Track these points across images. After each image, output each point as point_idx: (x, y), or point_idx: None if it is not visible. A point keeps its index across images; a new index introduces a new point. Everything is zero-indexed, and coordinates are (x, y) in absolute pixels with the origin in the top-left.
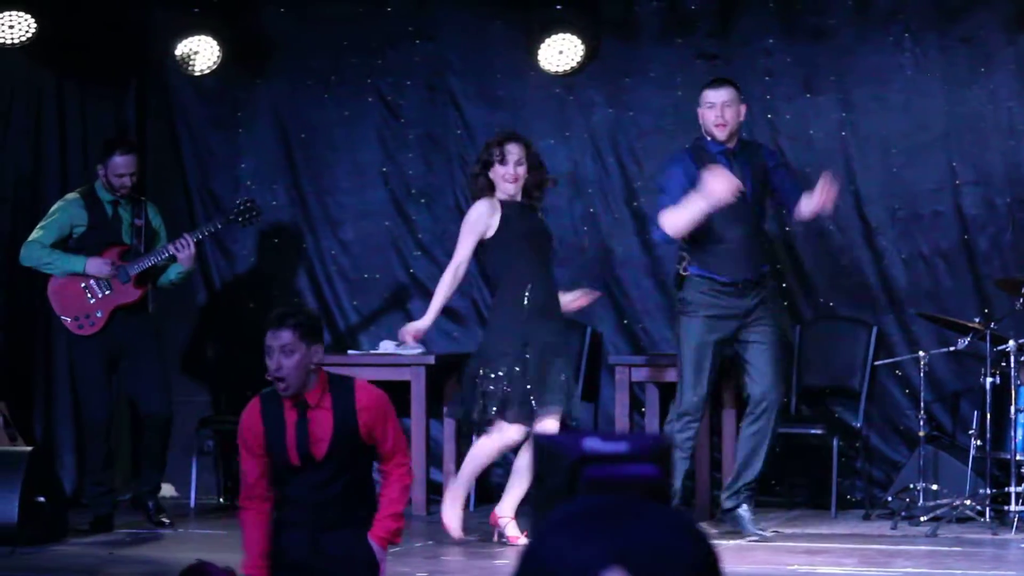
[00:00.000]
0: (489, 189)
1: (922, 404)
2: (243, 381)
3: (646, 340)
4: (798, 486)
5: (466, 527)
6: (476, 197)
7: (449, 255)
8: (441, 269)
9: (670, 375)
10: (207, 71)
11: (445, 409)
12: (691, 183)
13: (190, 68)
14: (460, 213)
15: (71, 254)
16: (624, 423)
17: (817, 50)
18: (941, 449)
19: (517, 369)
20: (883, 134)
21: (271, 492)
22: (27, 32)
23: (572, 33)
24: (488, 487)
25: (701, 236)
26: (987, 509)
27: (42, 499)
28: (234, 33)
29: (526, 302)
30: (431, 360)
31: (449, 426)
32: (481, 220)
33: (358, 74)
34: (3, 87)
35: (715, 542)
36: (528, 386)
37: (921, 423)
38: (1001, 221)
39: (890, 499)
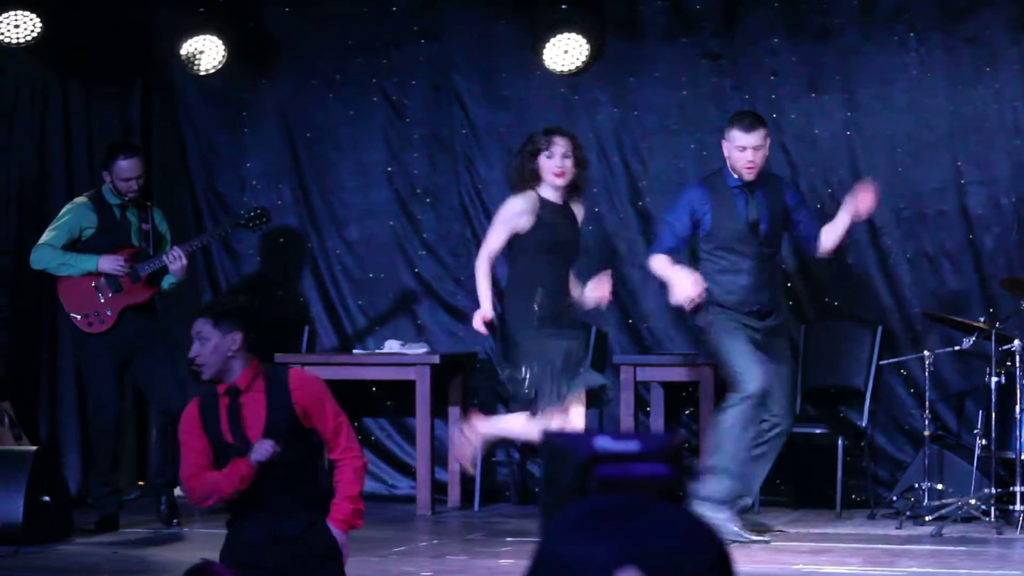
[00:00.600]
0: (534, 179)
1: (927, 404)
2: None
3: (651, 340)
4: (803, 486)
5: (471, 525)
6: (517, 187)
7: (453, 255)
8: (446, 269)
9: (675, 375)
10: (212, 71)
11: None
12: (697, 219)
13: (195, 68)
14: (465, 213)
15: (83, 254)
16: (629, 423)
17: (822, 50)
18: (946, 449)
19: (538, 369)
20: (888, 134)
21: (212, 469)
22: (32, 32)
23: (577, 33)
24: (493, 486)
25: (711, 268)
26: (992, 509)
27: (47, 499)
28: (239, 33)
29: (536, 307)
30: (436, 360)
31: (454, 426)
32: (514, 217)
33: (363, 74)
34: (8, 87)
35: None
36: (552, 381)
37: (926, 423)
38: (1006, 220)
39: (895, 499)
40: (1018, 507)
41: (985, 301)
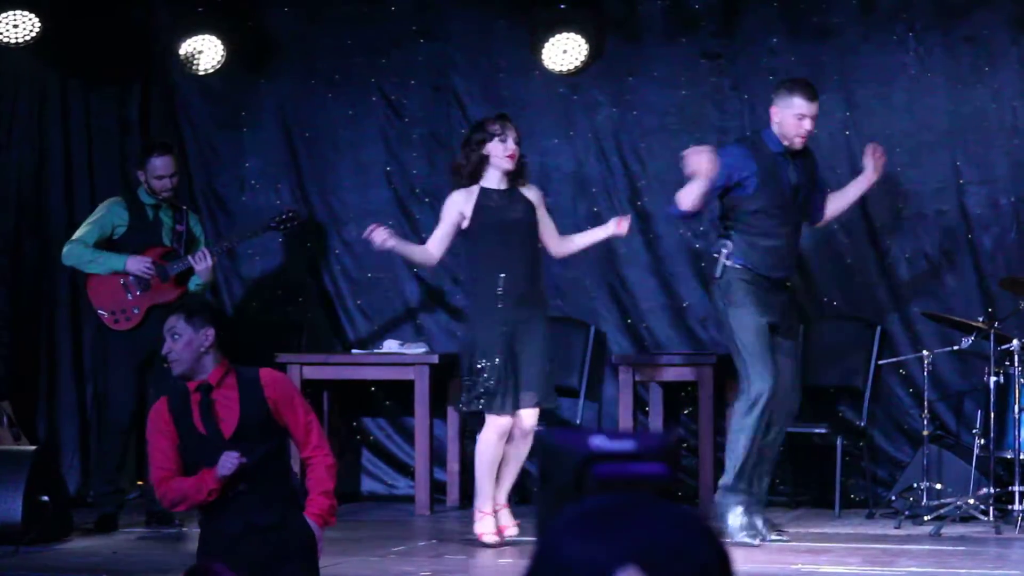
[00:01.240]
0: (477, 174)
1: (926, 403)
2: None
3: (650, 339)
4: (802, 485)
5: (469, 525)
6: (458, 183)
7: (452, 254)
8: (445, 269)
9: (674, 375)
10: (211, 70)
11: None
12: (736, 180)
13: (194, 67)
14: None
15: (113, 253)
16: (627, 423)
17: (821, 49)
18: (945, 448)
19: (498, 361)
20: (887, 133)
21: (182, 470)
22: (31, 31)
23: (576, 32)
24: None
25: (750, 231)
26: (991, 508)
27: (46, 498)
28: (238, 32)
29: (500, 292)
30: (435, 359)
31: (453, 425)
32: (455, 209)
33: (362, 73)
34: (7, 87)
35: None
36: (510, 378)
37: (925, 422)
38: (1005, 220)
39: (894, 498)
40: (1017, 507)
41: (984, 301)
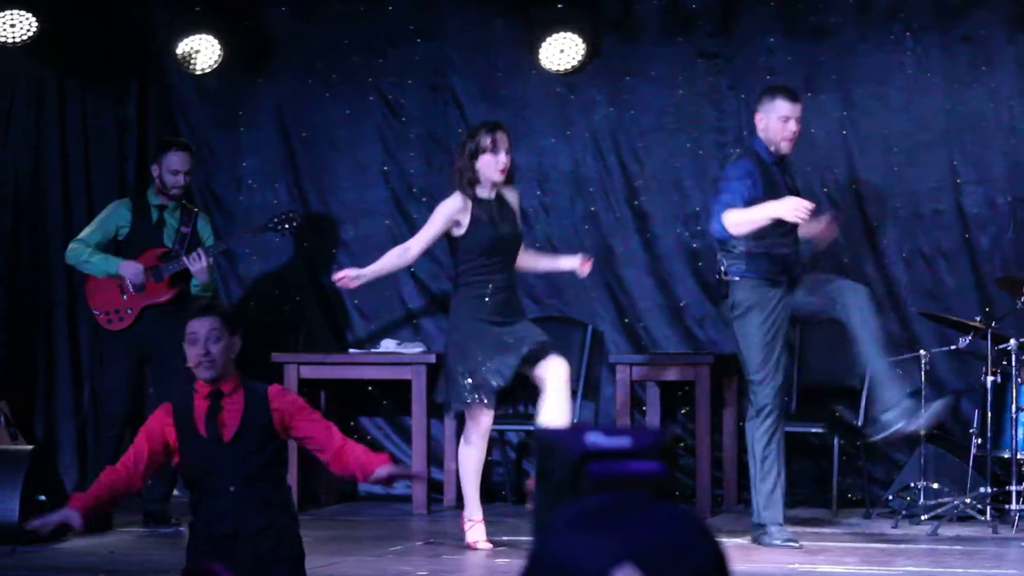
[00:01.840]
0: (472, 184)
1: (923, 403)
2: None
3: (647, 339)
4: (799, 485)
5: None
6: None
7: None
8: (442, 268)
9: (671, 374)
10: (208, 70)
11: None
12: (754, 186)
13: (191, 67)
14: None
15: (109, 255)
16: (625, 422)
17: (818, 49)
18: (942, 448)
19: (482, 361)
20: (884, 133)
21: (142, 480)
22: (28, 31)
23: (573, 32)
24: (489, 485)
25: (762, 242)
26: (988, 508)
27: (43, 498)
28: (235, 32)
29: (486, 302)
30: (432, 359)
31: (449, 425)
32: (454, 214)
33: (359, 73)
34: (4, 86)
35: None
36: (493, 381)
37: None
38: (1002, 220)
39: (891, 498)
40: (1014, 506)
41: (981, 300)
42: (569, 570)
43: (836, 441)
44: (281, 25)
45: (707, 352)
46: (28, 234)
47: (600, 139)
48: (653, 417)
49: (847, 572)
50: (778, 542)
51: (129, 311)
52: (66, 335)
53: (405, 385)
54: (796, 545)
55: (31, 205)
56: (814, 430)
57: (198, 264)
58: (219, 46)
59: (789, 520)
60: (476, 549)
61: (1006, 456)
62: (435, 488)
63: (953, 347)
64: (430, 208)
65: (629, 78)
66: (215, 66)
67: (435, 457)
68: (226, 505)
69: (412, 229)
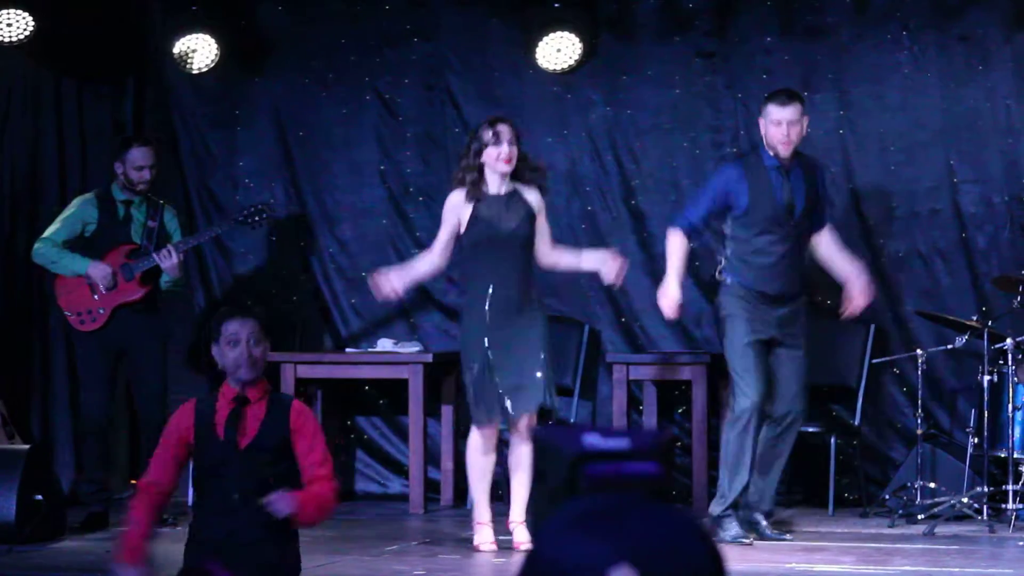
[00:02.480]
0: (476, 183)
1: (920, 402)
2: None
3: (644, 338)
4: (795, 484)
5: (463, 524)
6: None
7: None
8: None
9: (668, 373)
10: (205, 69)
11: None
12: (726, 198)
13: (188, 66)
14: None
15: (78, 255)
16: (621, 421)
17: (815, 48)
18: (939, 447)
19: (476, 369)
20: (881, 132)
21: (169, 489)
22: (25, 30)
23: (570, 31)
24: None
25: (742, 249)
26: (984, 507)
27: (39, 497)
28: (232, 31)
29: (488, 304)
30: (429, 358)
31: (447, 424)
32: (454, 211)
33: (356, 73)
34: (1, 86)
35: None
36: (500, 390)
37: (918, 421)
38: (999, 219)
39: (887, 497)
40: (1010, 506)
41: (977, 299)
42: (566, 571)
43: (833, 441)
44: (278, 25)
45: (704, 351)
46: (24, 233)
47: (597, 138)
48: (650, 416)
49: (844, 571)
50: (729, 537)
51: (101, 311)
52: (63, 334)
53: (402, 384)
54: (747, 542)
55: (27, 204)
56: (811, 430)
57: (169, 261)
58: (216, 45)
59: (787, 520)
60: (481, 552)
61: (1003, 455)
62: (432, 487)
63: (950, 346)
64: (427, 207)
65: (626, 77)
66: (212, 65)
67: (432, 456)
68: (225, 512)
69: (409, 229)
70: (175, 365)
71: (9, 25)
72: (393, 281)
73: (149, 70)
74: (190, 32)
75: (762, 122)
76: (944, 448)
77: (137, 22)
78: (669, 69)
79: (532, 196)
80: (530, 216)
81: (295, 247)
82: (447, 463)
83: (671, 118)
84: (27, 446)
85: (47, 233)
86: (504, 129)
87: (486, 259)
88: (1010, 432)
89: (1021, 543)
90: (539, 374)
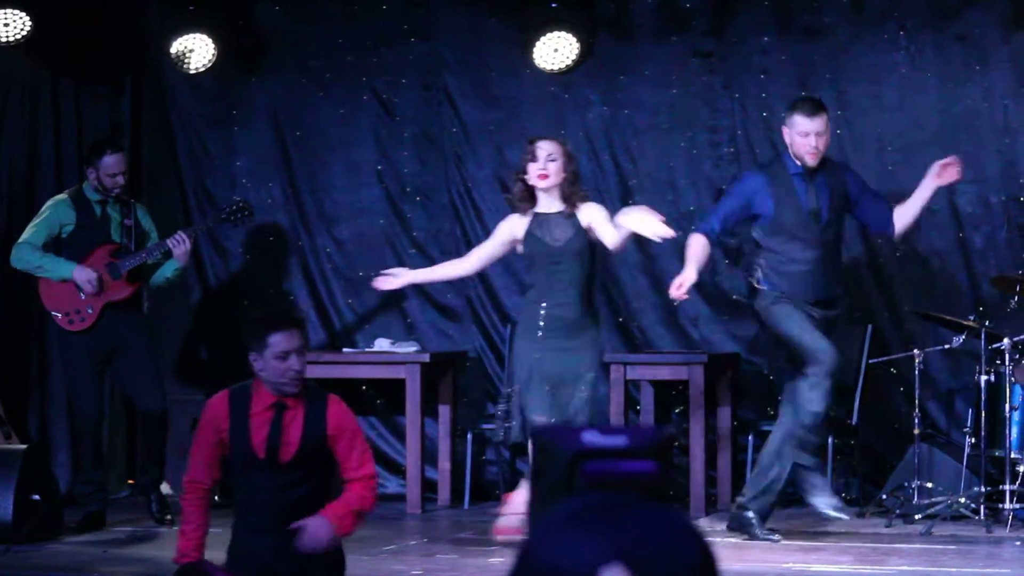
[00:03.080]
0: (527, 199)
1: (917, 402)
2: (238, 379)
3: (641, 339)
4: (793, 484)
5: (460, 524)
6: (513, 209)
7: (444, 253)
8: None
9: (665, 373)
10: (202, 69)
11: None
12: (750, 206)
13: (185, 66)
14: (455, 211)
15: (61, 259)
16: (620, 421)
17: (812, 48)
18: (936, 447)
19: (517, 387)
20: (878, 132)
21: (214, 483)
22: (23, 30)
23: (567, 31)
24: (483, 484)
25: (775, 259)
26: (981, 507)
27: (37, 497)
28: (229, 31)
29: (540, 323)
30: (426, 358)
31: (444, 424)
32: (507, 229)
33: (353, 72)
34: None
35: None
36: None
37: (916, 421)
38: (996, 219)
39: (885, 497)
40: (1007, 506)
41: (975, 299)
42: (558, 569)
43: (830, 440)
44: (275, 24)
45: (701, 351)
46: (22, 232)
47: (594, 138)
48: (647, 416)
49: (841, 571)
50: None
51: (90, 311)
52: (56, 333)
53: (399, 384)
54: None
55: (25, 204)
56: None
57: (182, 247)
58: (213, 45)
59: (785, 519)
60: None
61: (999, 455)
62: (429, 487)
63: (947, 346)
64: (424, 207)
65: (623, 77)
66: (209, 65)
67: (429, 456)
68: (270, 521)
69: (406, 228)
70: (165, 364)
71: (6, 25)
72: (406, 279)
73: (146, 70)
74: (187, 32)
75: (787, 131)
76: (941, 448)
77: (134, 22)
78: (666, 69)
79: (588, 210)
80: (579, 230)
81: (292, 246)
82: (444, 463)
83: (668, 118)
84: (24, 446)
85: (24, 237)
86: (542, 146)
87: (539, 275)
88: (1007, 432)
89: (1018, 543)
90: (582, 394)
